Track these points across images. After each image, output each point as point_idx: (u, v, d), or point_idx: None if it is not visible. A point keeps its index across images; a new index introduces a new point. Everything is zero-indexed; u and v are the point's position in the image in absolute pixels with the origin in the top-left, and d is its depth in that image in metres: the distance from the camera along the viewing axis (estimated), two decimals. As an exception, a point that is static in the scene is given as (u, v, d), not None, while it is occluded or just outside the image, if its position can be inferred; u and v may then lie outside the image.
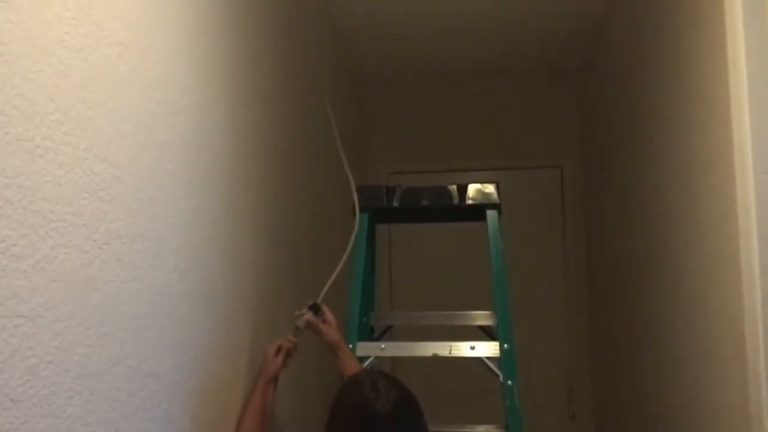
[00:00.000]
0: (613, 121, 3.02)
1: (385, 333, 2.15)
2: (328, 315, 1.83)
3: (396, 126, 3.93)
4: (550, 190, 3.83)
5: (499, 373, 1.80)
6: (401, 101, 3.95)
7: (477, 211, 2.00)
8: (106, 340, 1.09)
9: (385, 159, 3.90)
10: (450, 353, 1.84)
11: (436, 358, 1.87)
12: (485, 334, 2.05)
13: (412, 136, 3.91)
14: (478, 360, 1.90)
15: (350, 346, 1.83)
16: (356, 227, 1.87)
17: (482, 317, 2.00)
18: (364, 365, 1.85)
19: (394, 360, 3.31)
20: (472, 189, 1.95)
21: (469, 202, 1.95)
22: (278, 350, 1.76)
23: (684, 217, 1.94)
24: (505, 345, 1.82)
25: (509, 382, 1.78)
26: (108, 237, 1.10)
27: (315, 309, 1.83)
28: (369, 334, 2.12)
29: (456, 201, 1.96)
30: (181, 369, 1.39)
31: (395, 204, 1.96)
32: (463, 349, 1.84)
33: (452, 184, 1.96)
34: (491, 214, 1.95)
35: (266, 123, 2.00)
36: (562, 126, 3.82)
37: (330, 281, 1.91)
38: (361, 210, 1.96)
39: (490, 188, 1.95)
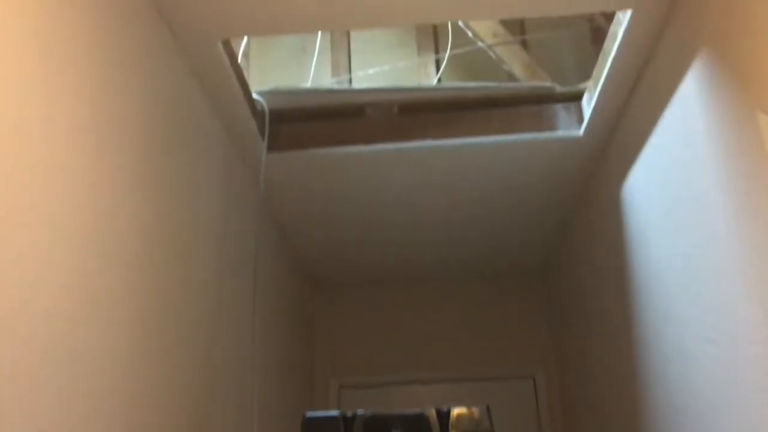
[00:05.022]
0: (584, 324, 2.71)
1: None
2: None
3: (348, 335, 3.52)
4: (524, 402, 3.39)
5: None
6: (354, 308, 3.58)
7: (462, 444, 1.54)
8: None
9: (336, 372, 3.44)
10: None
11: None
12: None
13: (366, 346, 3.49)
14: None
15: None
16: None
17: None
18: None
19: None
20: (457, 415, 1.52)
21: (453, 432, 1.51)
22: None
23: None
24: None
25: None
26: None
27: None
28: None
29: None
30: None
31: (357, 439, 1.50)
32: None
33: (430, 408, 1.53)
34: (482, 447, 1.50)
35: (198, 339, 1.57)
36: (531, 333, 3.48)
37: None
38: (311, 448, 1.49)
39: (478, 414, 1.52)
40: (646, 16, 1.72)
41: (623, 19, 1.80)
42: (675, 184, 1.77)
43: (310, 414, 1.56)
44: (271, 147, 2.33)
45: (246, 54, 3.66)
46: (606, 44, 1.96)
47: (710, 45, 1.53)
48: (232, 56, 1.86)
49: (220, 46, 1.76)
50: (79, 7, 1.26)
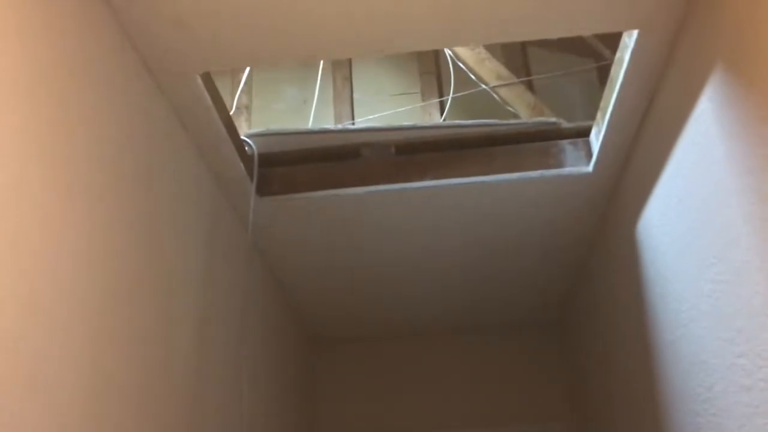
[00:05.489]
0: (604, 376, 2.52)
1: None
2: None
3: (354, 394, 3.33)
4: (542, 464, 3.16)
5: None
6: (358, 365, 3.40)
7: None
8: None
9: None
10: None
11: None
12: None
13: (373, 404, 3.29)
14: None
15: None
16: None
17: None
18: None
19: None
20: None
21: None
22: None
23: None
24: None
25: None
26: None
27: None
28: None
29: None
30: None
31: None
32: None
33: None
34: None
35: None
36: (548, 388, 3.27)
37: None
38: None
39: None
40: (653, 35, 1.60)
41: (629, 42, 1.68)
42: (694, 216, 1.62)
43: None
44: (263, 191, 2.21)
45: (248, 107, 3.60)
46: (612, 71, 1.84)
47: (725, 59, 1.40)
48: (214, 91, 1.75)
49: (198, 80, 1.66)
50: (40, 42, 1.16)
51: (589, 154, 2.15)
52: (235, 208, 2.19)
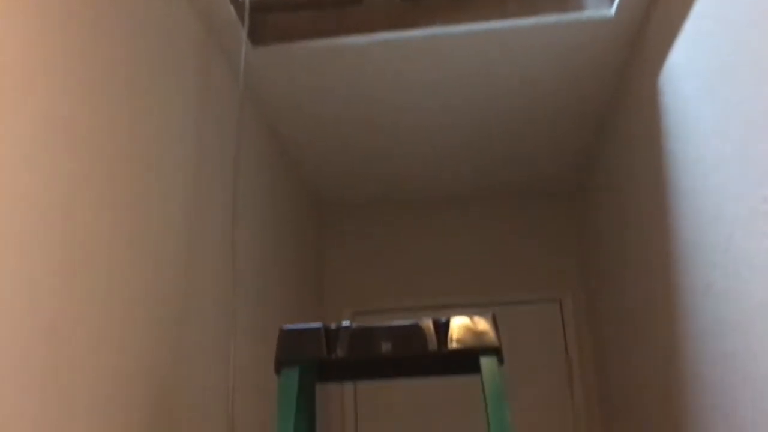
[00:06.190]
0: (619, 238, 2.44)
1: None
2: None
3: (363, 259, 3.30)
4: (550, 326, 3.16)
5: None
6: (370, 231, 3.34)
7: (466, 360, 1.31)
8: None
9: (350, 297, 3.24)
10: None
11: None
12: None
13: (382, 270, 3.27)
14: None
15: None
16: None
17: None
18: None
19: None
20: (457, 326, 1.28)
21: (453, 346, 1.27)
22: None
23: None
24: None
25: None
26: None
27: None
28: None
29: (433, 346, 1.28)
30: None
31: (339, 354, 1.28)
32: None
33: (426, 318, 1.30)
34: (488, 362, 1.26)
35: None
36: (557, 255, 3.21)
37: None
38: (287, 363, 1.27)
39: (482, 324, 1.28)
40: None
41: None
42: (727, 51, 1.47)
43: (288, 326, 1.34)
44: (258, 40, 2.06)
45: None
46: None
47: None
48: None
49: None
50: None
51: (612, -5, 1.97)
52: (228, 59, 2.05)
